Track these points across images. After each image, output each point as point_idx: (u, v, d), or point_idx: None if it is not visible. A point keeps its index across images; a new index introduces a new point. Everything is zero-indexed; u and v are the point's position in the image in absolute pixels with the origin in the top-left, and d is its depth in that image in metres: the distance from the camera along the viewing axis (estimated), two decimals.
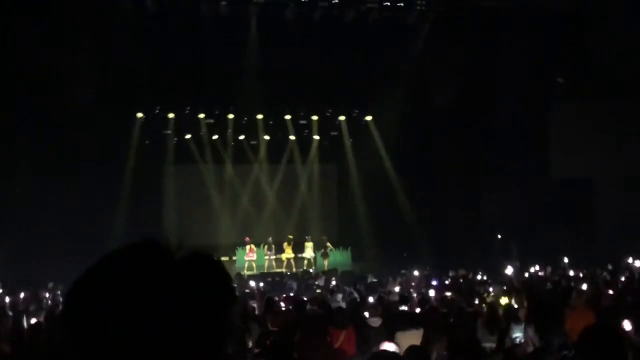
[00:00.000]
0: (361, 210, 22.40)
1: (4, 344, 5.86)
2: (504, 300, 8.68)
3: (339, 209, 24.04)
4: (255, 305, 10.09)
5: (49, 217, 16.33)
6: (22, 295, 12.64)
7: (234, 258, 21.97)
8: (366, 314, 7.80)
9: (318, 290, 12.57)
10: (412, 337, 6.09)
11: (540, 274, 15.01)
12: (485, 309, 7.83)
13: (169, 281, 0.88)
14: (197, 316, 0.88)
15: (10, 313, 9.09)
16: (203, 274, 0.92)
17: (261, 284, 14.84)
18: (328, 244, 21.04)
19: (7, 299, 12.24)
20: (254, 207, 22.91)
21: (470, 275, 15.56)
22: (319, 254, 20.94)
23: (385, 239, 20.50)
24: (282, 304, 9.97)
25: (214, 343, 0.89)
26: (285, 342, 5.14)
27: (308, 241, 20.88)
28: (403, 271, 17.19)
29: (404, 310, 7.94)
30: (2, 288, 13.49)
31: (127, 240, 0.94)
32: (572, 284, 10.90)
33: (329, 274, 17.17)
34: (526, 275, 14.93)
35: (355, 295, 11.18)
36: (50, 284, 12.23)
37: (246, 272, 18.42)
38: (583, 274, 13.45)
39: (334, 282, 14.50)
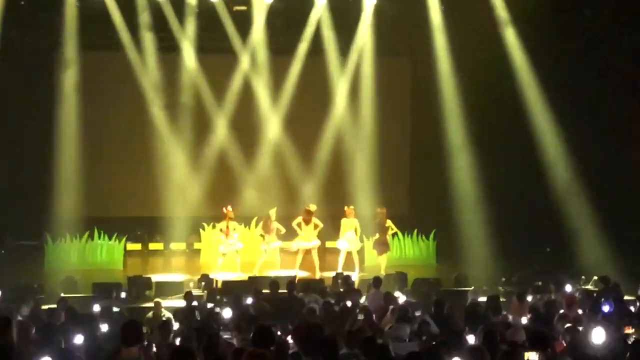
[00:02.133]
0: (459, 156, 17.40)
1: None
2: None
3: (413, 152, 19.49)
4: (234, 341, 8.55)
5: None
6: None
7: (196, 246, 17.93)
8: None
9: (361, 317, 10.21)
10: None
11: None
12: None
13: None
14: None
15: None
16: None
17: (249, 300, 12.28)
18: (389, 222, 16.96)
19: None
20: (240, 143, 18.40)
21: None
22: (369, 243, 17.43)
23: (505, 215, 16.81)
24: (290, 341, 8.42)
25: None
26: None
27: (348, 216, 16.94)
28: (540, 283, 13.76)
29: None
30: None
31: None
32: None
33: (388, 282, 14.33)
34: None
35: (433, 327, 9.15)
36: None
37: (219, 275, 15.25)
38: None
39: (399, 300, 11.97)
